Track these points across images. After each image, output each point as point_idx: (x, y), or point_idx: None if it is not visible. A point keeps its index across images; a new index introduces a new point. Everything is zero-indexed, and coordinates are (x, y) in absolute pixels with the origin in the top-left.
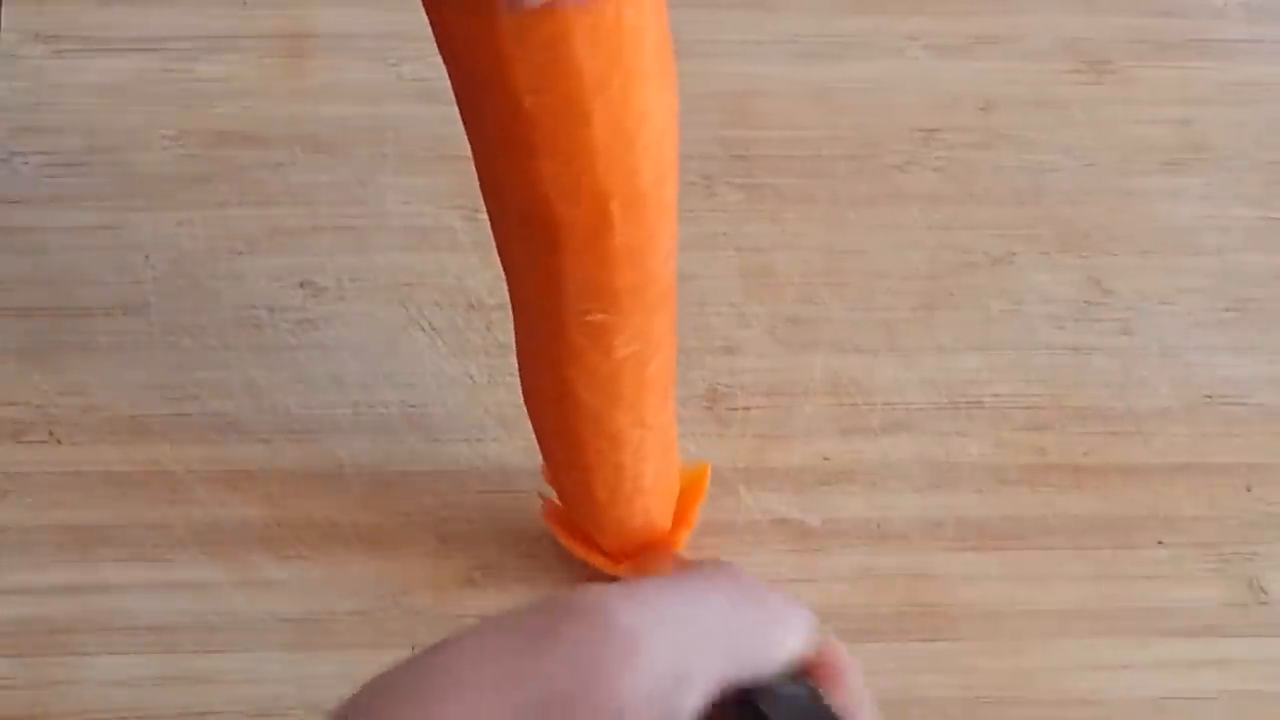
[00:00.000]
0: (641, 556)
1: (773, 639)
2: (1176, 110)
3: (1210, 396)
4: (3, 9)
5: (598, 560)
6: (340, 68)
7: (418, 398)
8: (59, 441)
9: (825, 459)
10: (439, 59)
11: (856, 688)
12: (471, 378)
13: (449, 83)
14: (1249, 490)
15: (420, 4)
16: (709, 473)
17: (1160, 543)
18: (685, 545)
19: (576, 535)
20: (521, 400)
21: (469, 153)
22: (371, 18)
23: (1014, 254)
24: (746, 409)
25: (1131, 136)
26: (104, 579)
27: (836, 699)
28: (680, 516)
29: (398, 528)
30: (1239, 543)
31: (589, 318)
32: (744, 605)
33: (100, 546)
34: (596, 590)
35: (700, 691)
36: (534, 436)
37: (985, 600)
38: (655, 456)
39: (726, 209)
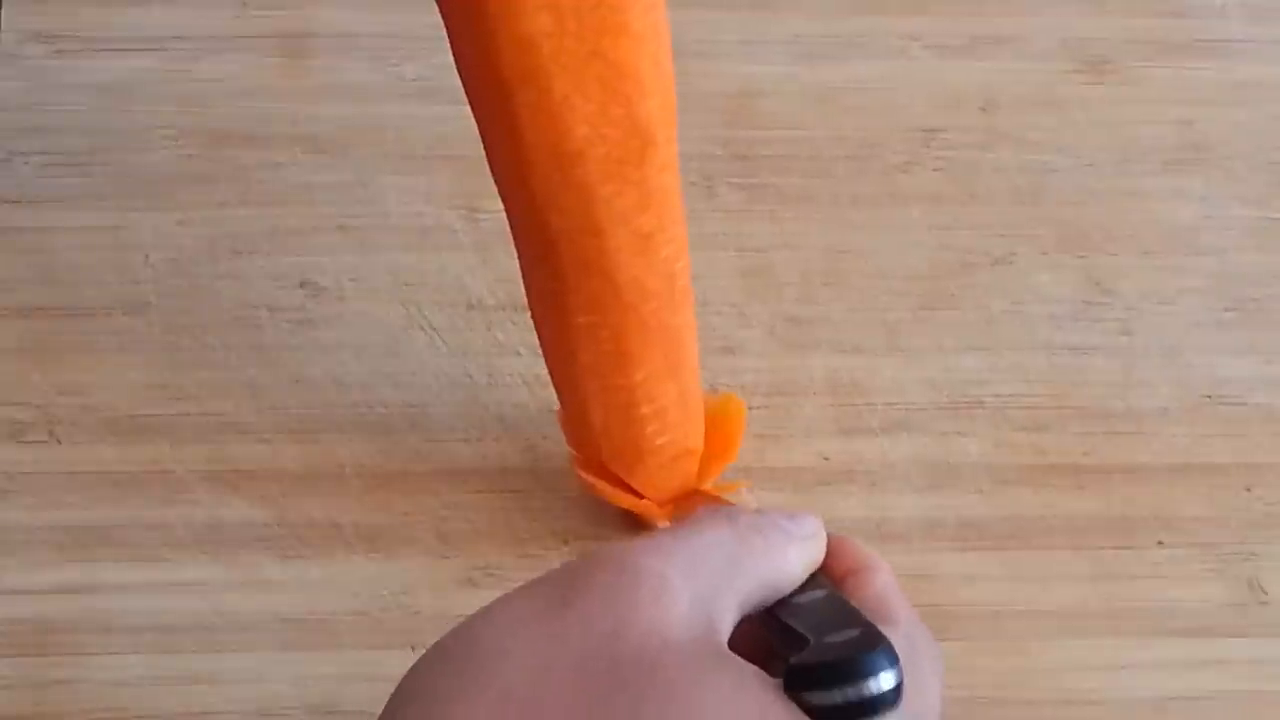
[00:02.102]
0: (682, 498)
1: (778, 556)
2: (1177, 110)
3: (1210, 396)
4: (3, 9)
5: (639, 506)
6: (340, 68)
7: (418, 398)
8: (59, 441)
9: (825, 459)
10: (439, 59)
11: (882, 583)
12: (471, 377)
13: (449, 82)
14: (1249, 490)
15: (419, 4)
16: (743, 407)
17: (1160, 543)
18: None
19: (614, 482)
20: (521, 400)
21: (469, 153)
22: (371, 18)
23: (1014, 254)
24: (746, 409)
25: (1132, 136)
26: (104, 579)
27: (862, 594)
28: (714, 449)
29: (398, 528)
30: (1239, 543)
31: None
32: (745, 534)
33: (100, 546)
34: (614, 545)
35: (729, 616)
36: (534, 436)
37: (985, 600)
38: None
39: (726, 209)
